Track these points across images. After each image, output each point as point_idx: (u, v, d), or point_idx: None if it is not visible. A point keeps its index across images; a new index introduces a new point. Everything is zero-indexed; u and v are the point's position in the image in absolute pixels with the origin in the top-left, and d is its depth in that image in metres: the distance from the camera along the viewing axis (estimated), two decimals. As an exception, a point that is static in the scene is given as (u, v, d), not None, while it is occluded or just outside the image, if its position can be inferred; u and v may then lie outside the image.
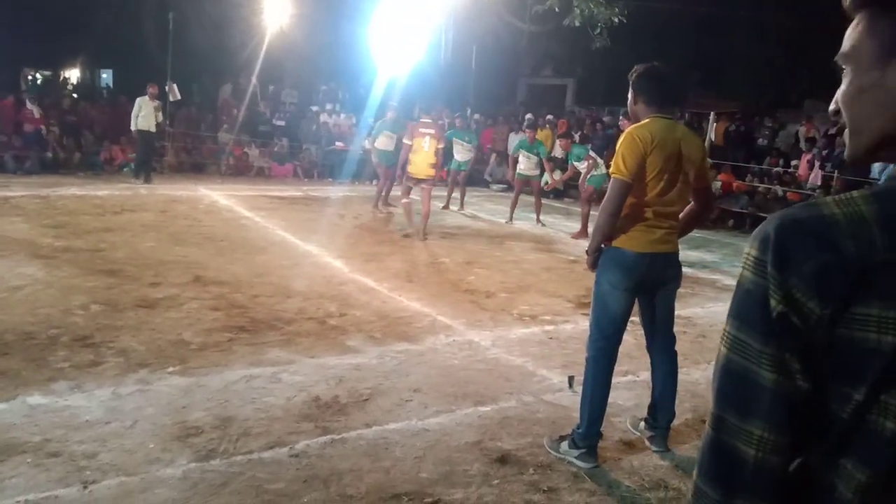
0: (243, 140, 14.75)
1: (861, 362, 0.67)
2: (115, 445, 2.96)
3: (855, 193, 0.72)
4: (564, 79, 20.42)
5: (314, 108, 16.11)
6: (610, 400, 3.82)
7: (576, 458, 3.06)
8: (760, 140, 13.73)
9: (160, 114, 11.94)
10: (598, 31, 10.94)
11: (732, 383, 0.75)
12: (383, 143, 10.40)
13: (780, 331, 0.70)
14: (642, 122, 2.97)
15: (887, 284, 0.66)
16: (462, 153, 11.37)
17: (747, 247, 0.76)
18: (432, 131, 8.07)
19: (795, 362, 0.70)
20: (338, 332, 4.64)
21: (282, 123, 15.66)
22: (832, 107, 0.82)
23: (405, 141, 8.16)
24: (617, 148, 2.95)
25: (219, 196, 10.75)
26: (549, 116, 15.69)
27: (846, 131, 0.81)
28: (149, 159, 11.98)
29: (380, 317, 5.05)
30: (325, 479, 2.82)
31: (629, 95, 3.08)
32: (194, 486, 2.71)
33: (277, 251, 7.14)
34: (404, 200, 8.45)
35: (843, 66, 0.79)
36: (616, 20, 10.73)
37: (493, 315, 5.36)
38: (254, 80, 15.52)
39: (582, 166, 9.42)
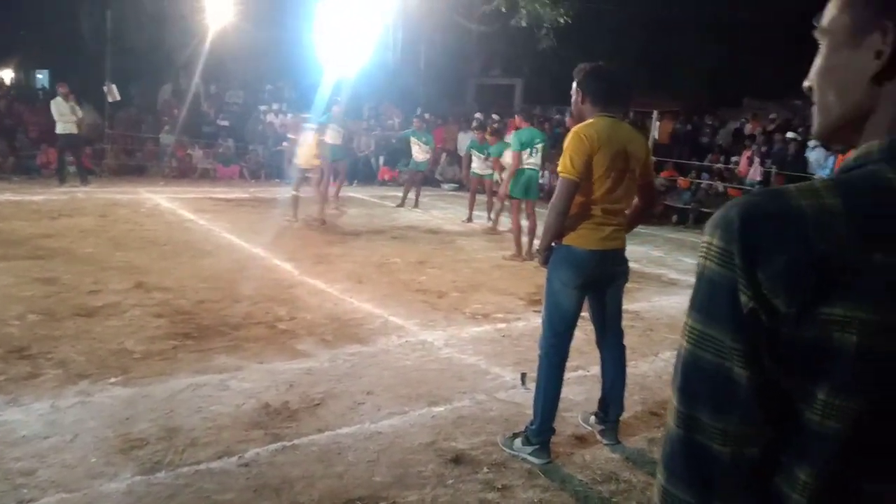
0: (186, 141, 14.38)
1: (821, 362, 0.66)
2: (54, 461, 2.84)
3: (817, 184, 0.69)
4: (513, 78, 20.58)
5: (261, 108, 15.82)
6: (561, 396, 3.89)
7: (529, 454, 3.09)
8: (703, 138, 14.14)
9: (78, 110, 11.49)
10: (545, 31, 11.06)
11: (703, 381, 0.71)
12: (331, 137, 10.44)
13: (751, 326, 0.67)
14: (588, 121, 3.00)
15: (852, 283, 0.64)
16: (419, 154, 11.35)
17: (707, 234, 0.71)
18: (313, 126, 9.12)
19: (766, 358, 0.68)
20: (287, 336, 4.56)
21: (226, 124, 15.33)
22: (805, 83, 0.80)
23: (290, 135, 9.22)
24: (564, 147, 2.97)
25: (161, 199, 10.46)
26: (495, 116, 15.78)
27: (815, 108, 0.79)
28: (79, 162, 11.57)
29: (331, 319, 4.99)
30: (276, 487, 2.76)
31: (574, 94, 3.11)
32: (139, 500, 2.62)
33: (223, 254, 6.98)
34: (293, 192, 9.11)
35: (820, 42, 0.78)
36: (562, 20, 10.87)
37: (446, 314, 5.35)
38: (196, 79, 15.14)
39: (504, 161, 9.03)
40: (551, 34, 11.03)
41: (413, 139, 11.35)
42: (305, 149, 8.98)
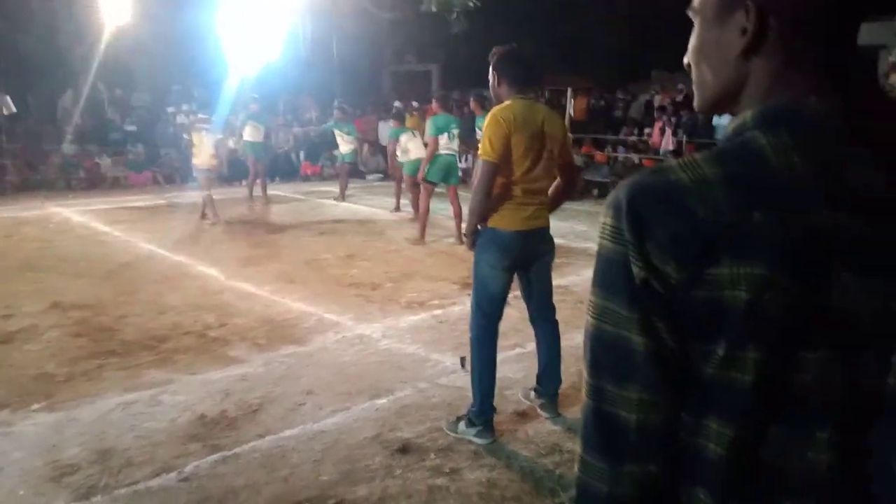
0: (92, 150, 13.67)
1: (718, 320, 0.69)
2: (-25, 500, 2.67)
3: (697, 156, 0.73)
4: (428, 64, 20.54)
5: (169, 110, 15.20)
6: (500, 374, 3.93)
7: (474, 435, 3.13)
8: (616, 112, 14.55)
9: None
10: (455, 16, 11.06)
11: (605, 352, 0.75)
12: (250, 133, 10.26)
13: (644, 296, 0.71)
14: (504, 103, 3.04)
15: (735, 243, 0.68)
16: (343, 145, 11.18)
17: (602, 215, 0.76)
18: (208, 126, 9.07)
19: (661, 324, 0.72)
20: (219, 344, 4.43)
21: (134, 129, 14.66)
22: (685, 60, 0.83)
23: (184, 136, 9.19)
24: (482, 131, 3.00)
25: (71, 213, 9.92)
26: (415, 103, 15.74)
27: (694, 83, 0.83)
28: None
29: (263, 322, 4.88)
30: (220, 498, 2.69)
31: (490, 78, 3.14)
32: (74, 529, 2.50)
33: (143, 265, 6.70)
34: (205, 193, 9.10)
35: (693, 20, 0.81)
36: (472, 4, 10.90)
37: (381, 306, 5.33)
38: (98, 84, 14.40)
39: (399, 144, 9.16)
40: (462, 18, 11.04)
41: (336, 131, 11.19)
42: (202, 148, 8.91)
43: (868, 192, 0.70)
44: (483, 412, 3.13)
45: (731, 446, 0.72)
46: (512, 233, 3.04)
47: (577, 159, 12.64)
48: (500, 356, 4.19)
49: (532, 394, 3.52)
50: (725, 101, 0.80)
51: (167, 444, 3.12)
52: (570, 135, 3.35)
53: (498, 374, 3.91)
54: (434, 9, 11.02)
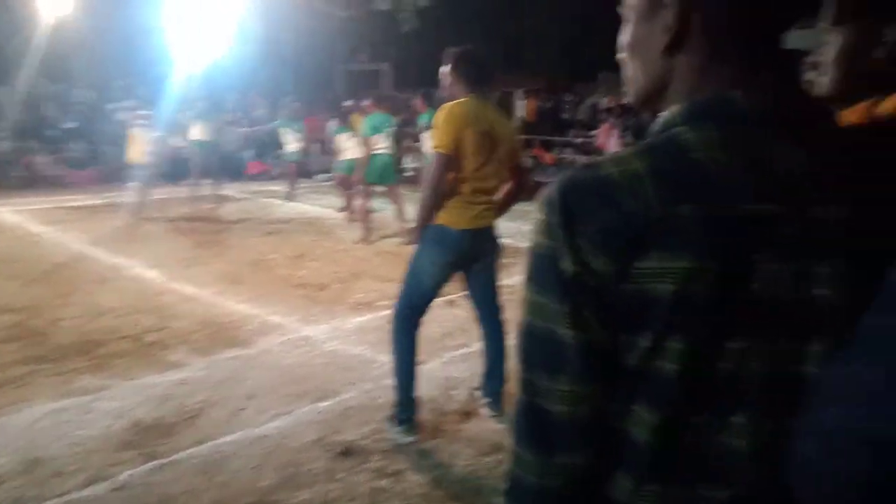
0: (29, 147, 13.13)
1: (646, 312, 0.70)
2: None
3: (627, 151, 0.74)
4: (380, 63, 20.43)
5: (110, 107, 14.71)
6: (446, 374, 3.96)
7: (397, 433, 3.11)
8: (564, 114, 14.76)
9: None
10: (406, 14, 11.02)
11: (537, 346, 0.76)
12: (199, 132, 10.14)
13: (575, 290, 0.72)
14: (458, 100, 3.05)
15: (663, 237, 0.69)
16: (292, 144, 11.01)
17: (535, 211, 0.76)
18: (145, 122, 9.22)
19: (591, 317, 0.72)
20: (158, 348, 4.31)
21: (74, 125, 14.14)
22: (618, 56, 0.85)
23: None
24: (435, 124, 3.01)
25: (6, 213, 9.51)
26: (366, 102, 15.63)
27: (627, 79, 0.85)
28: None
29: (205, 325, 4.76)
30: (154, 507, 2.61)
31: (444, 78, 3.15)
32: (-3, 544, 2.40)
33: (81, 267, 6.46)
34: (136, 189, 9.12)
35: (625, 18, 0.82)
36: (422, 3, 10.87)
37: (328, 307, 5.27)
38: (35, 79, 13.83)
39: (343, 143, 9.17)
40: (413, 17, 11.01)
41: (283, 129, 11.02)
42: (135, 145, 9.00)
43: (793, 184, 0.72)
44: (405, 409, 3.11)
45: (655, 432, 0.74)
46: (459, 231, 3.04)
47: (527, 160, 12.83)
48: (446, 356, 4.24)
49: (478, 392, 3.52)
50: (655, 96, 0.81)
51: (100, 453, 3.02)
52: (517, 138, 3.36)
53: (443, 374, 3.95)
54: (385, 7, 10.95)
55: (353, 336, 4.62)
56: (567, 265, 0.72)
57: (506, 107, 15.63)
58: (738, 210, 0.69)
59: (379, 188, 8.02)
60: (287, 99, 13.50)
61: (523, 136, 14.22)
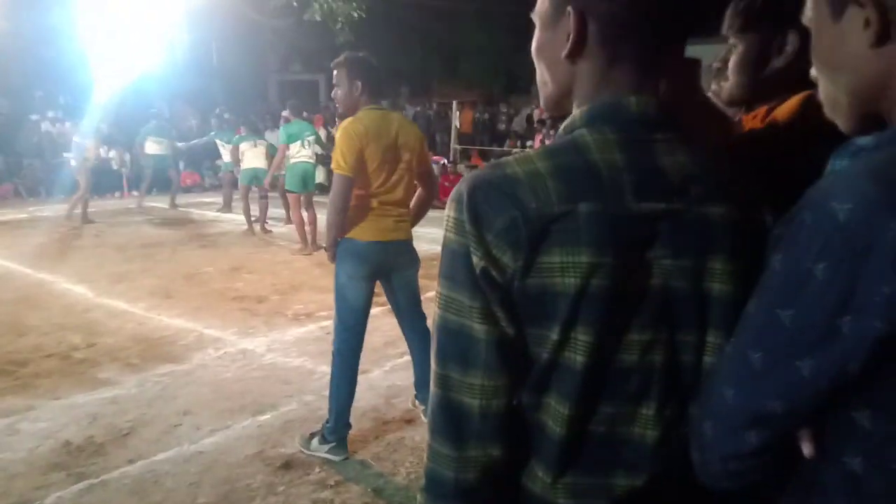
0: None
1: (551, 306, 0.74)
2: None
3: (531, 152, 0.78)
4: (315, 74, 20.25)
5: (33, 118, 14.06)
6: (388, 382, 3.96)
7: (327, 452, 3.05)
8: (500, 125, 15.01)
9: None
10: (340, 25, 10.97)
11: (451, 340, 0.78)
12: (153, 147, 10.35)
13: (484, 285, 0.75)
14: (356, 115, 3.00)
15: (564, 233, 0.73)
16: (226, 155, 10.78)
17: (446, 209, 0.78)
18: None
19: (501, 312, 0.75)
20: (86, 366, 4.14)
21: (-9, 137, 13.43)
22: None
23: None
24: (336, 143, 2.97)
25: (-86, 229, 8.96)
26: (304, 113, 15.46)
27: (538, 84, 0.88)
28: None
29: (136, 341, 4.61)
30: (85, 530, 2.51)
31: (339, 85, 3.05)
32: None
33: (1, 284, 6.14)
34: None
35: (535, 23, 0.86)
36: (356, 14, 10.85)
37: (267, 319, 5.18)
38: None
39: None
40: (346, 28, 10.97)
41: (217, 140, 10.79)
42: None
43: (681, 184, 0.77)
44: (338, 429, 3.04)
45: (567, 423, 0.77)
46: (368, 243, 3.01)
47: (464, 170, 12.94)
48: (388, 364, 4.23)
49: (417, 399, 3.53)
50: (562, 99, 0.85)
51: (26, 476, 2.88)
52: (426, 145, 3.34)
53: (385, 383, 3.94)
54: (318, 17, 10.87)
55: (293, 348, 4.55)
56: (476, 261, 0.75)
57: (443, 118, 15.78)
58: (631, 208, 0.74)
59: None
60: (217, 109, 13.21)
61: (459, 147, 14.40)
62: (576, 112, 0.82)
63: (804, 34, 1.11)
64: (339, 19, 10.91)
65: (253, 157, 8.61)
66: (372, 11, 11.66)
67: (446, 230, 0.78)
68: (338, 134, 2.97)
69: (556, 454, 0.78)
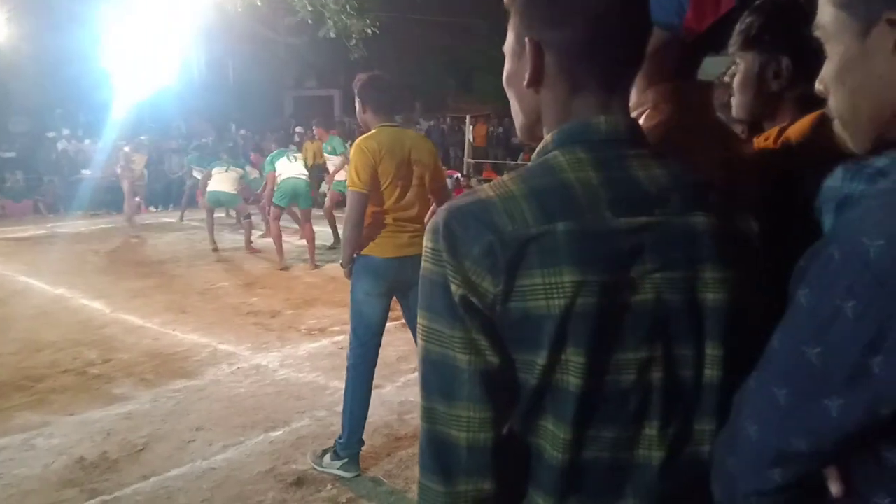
0: (-35, 178, 12.64)
1: (537, 329, 0.72)
2: None
3: (506, 177, 0.78)
4: (330, 90, 20.48)
5: (50, 135, 14.29)
6: (402, 398, 3.94)
7: (339, 468, 3.03)
8: (514, 139, 15.02)
9: None
10: (354, 42, 11.08)
11: (434, 372, 0.76)
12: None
13: (463, 313, 0.73)
14: (370, 132, 3.05)
15: (544, 253, 0.71)
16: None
17: (424, 240, 0.77)
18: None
19: (483, 340, 0.73)
20: (101, 382, 4.16)
21: (12, 155, 13.69)
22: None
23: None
24: (350, 161, 3.01)
25: (-63, 245, 9.11)
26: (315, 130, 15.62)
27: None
28: None
29: (151, 356, 4.63)
30: (97, 547, 2.51)
31: (357, 105, 3.15)
32: None
33: (19, 300, 6.22)
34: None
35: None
36: (370, 31, 10.95)
37: (280, 334, 5.19)
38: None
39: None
40: (361, 45, 11.07)
41: (194, 166, 10.78)
42: None
43: (659, 197, 0.76)
44: (350, 445, 3.03)
45: (566, 448, 0.75)
46: (384, 260, 3.02)
47: (476, 184, 12.96)
48: (401, 380, 4.22)
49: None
50: (534, 127, 0.85)
51: (39, 492, 2.89)
52: (440, 161, 3.35)
53: (398, 399, 3.93)
54: (332, 35, 10.98)
55: (306, 363, 4.55)
56: (455, 288, 0.73)
57: (456, 132, 15.85)
58: (610, 224, 0.73)
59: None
60: (233, 126, 13.37)
61: (473, 160, 14.44)
62: (547, 136, 0.81)
63: (798, 59, 1.11)
64: (354, 36, 11.00)
65: (220, 181, 8.56)
66: (385, 28, 11.77)
67: (424, 261, 0.76)
68: (352, 151, 3.00)
69: (557, 481, 0.76)
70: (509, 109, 0.88)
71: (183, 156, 14.66)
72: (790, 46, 1.12)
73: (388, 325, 3.19)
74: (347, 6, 10.65)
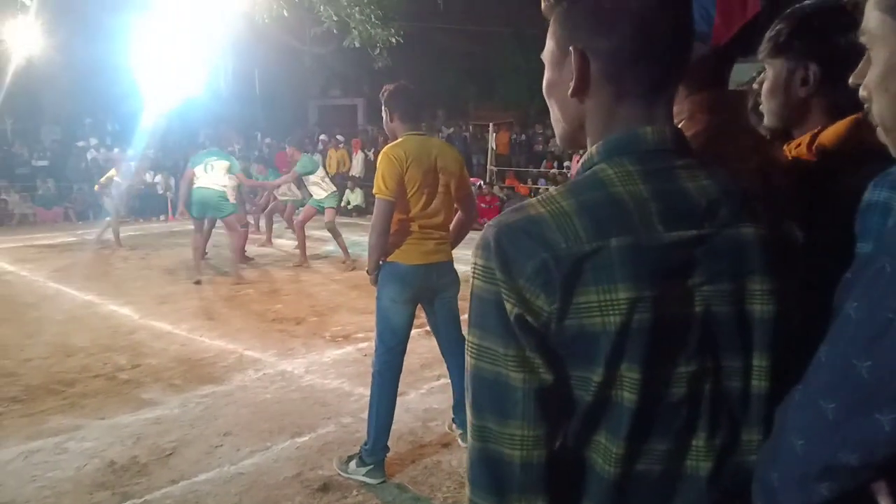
0: (-1, 186, 12.96)
1: (592, 346, 0.72)
2: None
3: (554, 191, 0.77)
4: (354, 98, 20.65)
5: (79, 144, 14.60)
6: (425, 405, 3.95)
7: (364, 475, 3.05)
8: (537, 146, 15.01)
9: None
10: (378, 51, 11.17)
11: (486, 391, 0.76)
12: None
13: (518, 332, 0.73)
14: (397, 140, 3.07)
15: (598, 270, 0.71)
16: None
17: (473, 256, 0.77)
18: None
19: (537, 358, 0.73)
20: (131, 387, 4.24)
21: (44, 163, 14.01)
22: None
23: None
24: (377, 168, 3.03)
25: (-28, 252, 9.34)
26: (339, 137, 15.77)
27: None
28: None
29: (179, 362, 4.70)
30: (128, 549, 2.56)
31: (383, 114, 3.17)
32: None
33: (50, 305, 6.35)
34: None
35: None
36: (394, 40, 11.04)
37: (305, 341, 5.24)
38: (2, 117, 13.71)
39: None
40: (385, 53, 11.17)
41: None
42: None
43: (708, 209, 0.76)
44: (375, 451, 3.05)
45: (619, 462, 0.75)
46: (411, 267, 3.04)
47: (498, 192, 12.96)
48: (425, 387, 4.23)
49: (454, 424, 3.52)
50: (576, 135, 0.85)
51: (72, 494, 2.95)
52: (465, 169, 3.37)
53: (422, 406, 3.94)
54: (357, 44, 11.09)
55: (331, 369, 4.59)
56: (510, 307, 0.73)
57: (479, 140, 15.87)
58: (662, 238, 0.73)
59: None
60: (258, 134, 13.50)
61: (495, 168, 14.45)
62: (592, 148, 0.81)
63: (826, 66, 1.11)
64: (378, 45, 11.10)
65: (206, 178, 8.31)
66: (409, 37, 11.85)
67: (475, 278, 0.76)
68: (379, 159, 3.03)
69: (608, 493, 0.76)
70: (531, 117, 0.88)
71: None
72: (819, 54, 1.11)
73: (412, 332, 3.21)
74: (372, 16, 10.75)
